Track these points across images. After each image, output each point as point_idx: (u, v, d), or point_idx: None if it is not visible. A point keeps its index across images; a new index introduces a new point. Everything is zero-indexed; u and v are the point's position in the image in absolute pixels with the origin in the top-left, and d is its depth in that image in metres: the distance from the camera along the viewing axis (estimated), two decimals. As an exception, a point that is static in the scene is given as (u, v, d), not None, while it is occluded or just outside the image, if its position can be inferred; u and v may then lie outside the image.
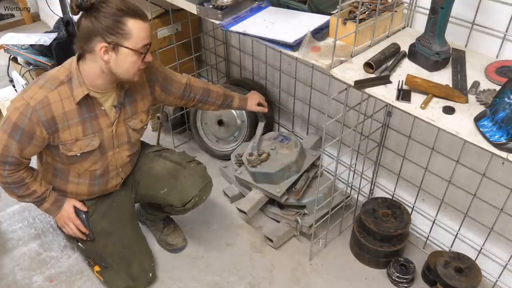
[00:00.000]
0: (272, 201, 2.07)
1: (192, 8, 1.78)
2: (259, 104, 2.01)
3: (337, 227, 2.03)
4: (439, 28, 1.35)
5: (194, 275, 1.90)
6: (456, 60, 1.43)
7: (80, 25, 1.40)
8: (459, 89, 1.31)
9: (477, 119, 1.20)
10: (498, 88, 1.23)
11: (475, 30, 1.49)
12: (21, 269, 1.92)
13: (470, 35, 1.50)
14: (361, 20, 1.46)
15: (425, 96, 1.30)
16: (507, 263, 1.68)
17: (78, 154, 1.57)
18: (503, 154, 1.12)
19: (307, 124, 2.31)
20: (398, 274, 1.80)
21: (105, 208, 1.78)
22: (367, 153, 1.91)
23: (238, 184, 2.18)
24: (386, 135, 1.91)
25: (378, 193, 2.10)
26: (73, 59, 1.49)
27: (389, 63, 1.44)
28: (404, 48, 1.49)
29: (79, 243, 1.82)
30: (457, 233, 1.83)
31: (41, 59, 2.55)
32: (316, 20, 1.57)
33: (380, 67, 1.42)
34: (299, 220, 1.95)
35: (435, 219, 1.89)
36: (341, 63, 1.45)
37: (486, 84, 1.33)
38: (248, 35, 1.58)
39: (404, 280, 1.80)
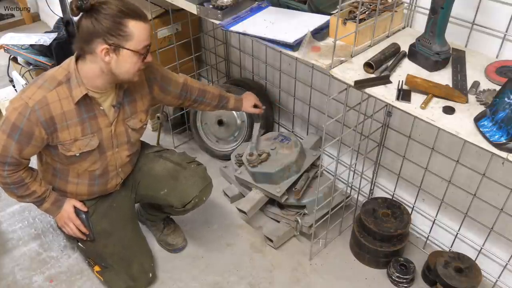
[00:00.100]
0: (272, 201, 2.07)
1: (192, 8, 1.78)
2: (255, 106, 2.01)
3: (337, 227, 2.03)
4: (439, 28, 1.35)
5: (194, 275, 1.90)
6: (456, 60, 1.43)
7: (80, 26, 1.40)
8: (459, 89, 1.31)
9: (477, 119, 1.20)
10: (498, 88, 1.23)
11: (475, 30, 1.49)
12: (21, 269, 1.92)
13: (470, 35, 1.50)
14: (361, 20, 1.46)
15: (425, 96, 1.30)
16: (507, 263, 1.68)
17: (77, 154, 1.57)
18: (503, 154, 1.12)
19: (307, 124, 2.31)
20: (398, 274, 1.80)
21: (105, 208, 1.78)
22: (367, 153, 1.91)
23: (238, 184, 2.18)
24: (386, 135, 1.91)
25: (378, 193, 2.10)
26: (72, 59, 1.49)
27: (389, 63, 1.44)
28: (404, 48, 1.49)
29: (79, 243, 1.82)
30: (457, 233, 1.83)
31: (41, 59, 2.55)
32: (316, 20, 1.57)
33: (380, 67, 1.42)
34: (299, 220, 1.95)
35: (435, 219, 1.89)
36: (341, 63, 1.45)
37: (486, 84, 1.33)
38: (248, 35, 1.58)
39: (404, 280, 1.80)
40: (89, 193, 1.74)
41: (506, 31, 1.41)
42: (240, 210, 1.98)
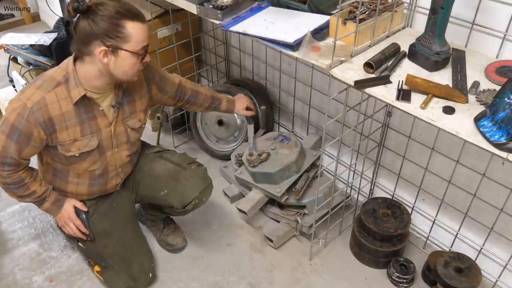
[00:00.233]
0: (272, 201, 2.07)
1: (192, 8, 1.78)
2: (247, 108, 2.01)
3: (337, 227, 2.03)
4: (439, 28, 1.35)
5: (194, 275, 1.90)
6: (456, 60, 1.43)
7: (77, 27, 1.39)
8: (459, 89, 1.31)
9: (477, 119, 1.20)
10: (498, 88, 1.23)
11: (475, 30, 1.49)
12: (21, 269, 1.92)
13: (470, 35, 1.50)
14: (361, 20, 1.46)
15: (425, 96, 1.30)
16: (507, 263, 1.68)
17: (77, 155, 1.57)
18: (503, 154, 1.12)
19: (307, 124, 2.31)
20: (398, 274, 1.80)
21: (106, 209, 1.78)
22: (367, 153, 1.91)
23: (238, 184, 2.18)
24: (386, 135, 1.91)
25: (378, 193, 2.10)
26: (70, 59, 1.48)
27: (389, 63, 1.44)
28: (404, 48, 1.49)
29: (79, 243, 1.82)
30: (457, 233, 1.83)
31: (41, 59, 2.55)
32: (316, 20, 1.57)
33: (380, 67, 1.42)
34: (299, 220, 1.95)
35: (435, 219, 1.89)
36: (341, 63, 1.45)
37: (486, 84, 1.33)
38: (248, 35, 1.58)
39: (404, 280, 1.80)
40: (89, 193, 1.74)
41: (506, 31, 1.41)
42: (240, 210, 1.98)
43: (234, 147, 2.40)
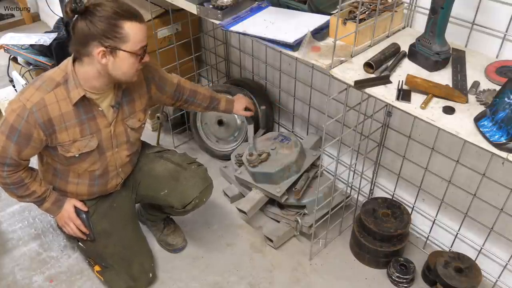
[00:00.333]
0: (272, 201, 2.07)
1: (192, 8, 1.78)
2: (246, 109, 2.01)
3: (337, 227, 2.03)
4: (439, 28, 1.35)
5: (194, 275, 1.90)
6: (456, 60, 1.43)
7: (75, 28, 1.39)
8: (459, 89, 1.31)
9: (477, 119, 1.20)
10: (498, 88, 1.23)
11: (475, 30, 1.49)
12: (21, 269, 1.92)
13: (470, 35, 1.50)
14: (361, 20, 1.46)
15: (425, 96, 1.30)
16: (507, 263, 1.68)
17: (77, 155, 1.57)
18: (503, 154, 1.12)
19: (307, 124, 2.31)
20: (398, 274, 1.80)
21: (106, 209, 1.78)
22: (367, 153, 1.91)
23: (238, 184, 2.18)
24: (386, 135, 1.91)
25: (378, 193, 2.10)
26: (69, 60, 1.48)
27: (389, 63, 1.44)
28: (404, 48, 1.48)
29: (79, 243, 1.82)
30: (457, 233, 1.83)
31: (41, 59, 2.55)
32: (316, 20, 1.57)
33: (380, 67, 1.42)
34: (299, 220, 1.95)
35: (435, 219, 1.89)
36: (341, 63, 1.45)
37: (486, 84, 1.33)
38: (248, 35, 1.58)
39: (404, 280, 1.80)
40: (89, 193, 1.74)
41: (506, 31, 1.41)
42: (240, 210, 1.98)
43: (234, 147, 2.40)
